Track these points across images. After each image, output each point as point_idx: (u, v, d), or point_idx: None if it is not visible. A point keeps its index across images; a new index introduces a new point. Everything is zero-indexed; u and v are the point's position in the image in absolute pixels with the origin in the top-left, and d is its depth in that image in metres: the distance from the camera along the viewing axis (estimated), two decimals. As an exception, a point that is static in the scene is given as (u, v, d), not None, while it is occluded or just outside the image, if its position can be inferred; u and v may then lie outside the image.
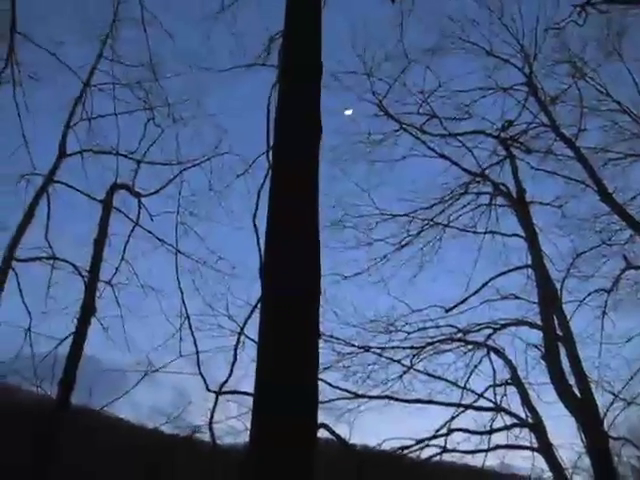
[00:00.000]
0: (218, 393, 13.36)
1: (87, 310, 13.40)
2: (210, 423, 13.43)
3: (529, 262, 15.16)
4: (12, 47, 12.76)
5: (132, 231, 15.05)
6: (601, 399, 13.69)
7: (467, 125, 16.33)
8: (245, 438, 13.93)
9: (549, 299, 14.29)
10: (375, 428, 15.76)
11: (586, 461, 13.54)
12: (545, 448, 13.82)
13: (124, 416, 15.00)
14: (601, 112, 15.72)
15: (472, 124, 16.29)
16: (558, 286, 14.65)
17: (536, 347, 14.54)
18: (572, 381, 13.47)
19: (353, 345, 15.59)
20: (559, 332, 13.96)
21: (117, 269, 14.66)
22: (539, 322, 14.86)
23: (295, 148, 6.55)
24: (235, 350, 13.33)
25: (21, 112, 13.67)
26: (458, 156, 16.25)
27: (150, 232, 15.17)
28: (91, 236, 14.31)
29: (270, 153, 9.81)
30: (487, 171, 16.27)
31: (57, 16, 14.78)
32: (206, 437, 14.36)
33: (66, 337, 13.21)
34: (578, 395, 13.21)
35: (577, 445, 13.65)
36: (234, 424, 13.90)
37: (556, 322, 14.17)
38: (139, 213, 15.25)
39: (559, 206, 15.96)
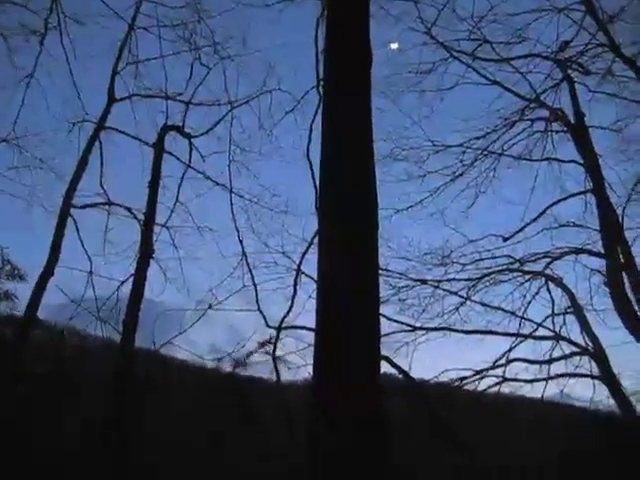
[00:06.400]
0: (279, 328, 13.53)
1: (145, 252, 13.62)
2: (274, 358, 13.65)
3: (588, 188, 14.76)
4: (56, -8, 12.76)
5: (185, 173, 15.13)
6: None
7: (521, 49, 15.68)
8: (304, 374, 14.21)
9: (611, 225, 13.92)
10: (433, 361, 15.84)
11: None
12: (607, 376, 13.70)
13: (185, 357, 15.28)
14: (664, 28, 14.92)
15: (526, 48, 15.62)
16: (619, 212, 14.29)
17: (600, 273, 14.27)
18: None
19: (409, 278, 15.60)
20: (621, 259, 13.66)
21: (172, 211, 14.83)
22: (599, 249, 14.56)
23: (347, 76, 6.39)
24: (295, 285, 13.46)
25: (69, 59, 13.88)
26: (512, 82, 15.70)
27: (202, 173, 15.25)
28: (144, 180, 14.45)
29: (321, 86, 9.68)
30: (542, 96, 15.73)
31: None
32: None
33: (127, 279, 13.55)
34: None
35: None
36: (293, 359, 14.15)
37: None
38: (191, 154, 15.29)
39: (619, 130, 15.41)
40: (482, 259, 15.68)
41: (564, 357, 14.61)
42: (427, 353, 15.16)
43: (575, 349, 14.50)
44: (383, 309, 14.40)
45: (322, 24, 10.32)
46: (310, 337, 12.24)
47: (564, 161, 15.54)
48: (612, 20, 14.91)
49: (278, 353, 13.82)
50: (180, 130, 15.24)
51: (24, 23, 13.83)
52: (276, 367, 13.77)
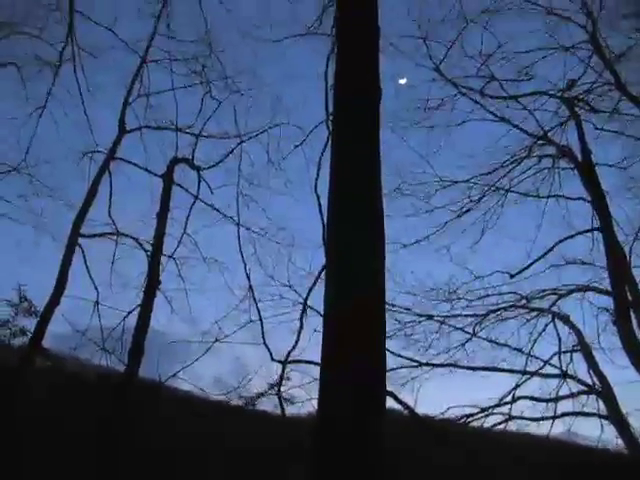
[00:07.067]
0: (285, 362, 13.46)
1: (152, 283, 13.64)
2: (279, 392, 13.56)
3: (595, 226, 14.78)
4: (72, 26, 13.00)
5: (193, 205, 15.20)
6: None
7: (528, 87, 15.84)
8: (309, 408, 14.10)
9: (618, 263, 13.89)
10: (438, 397, 15.74)
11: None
12: (615, 415, 13.55)
13: (188, 389, 15.20)
14: (671, 68, 15.03)
15: (533, 85, 15.80)
16: (626, 250, 14.27)
17: (607, 311, 14.22)
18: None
19: (415, 313, 15.56)
20: (629, 297, 13.60)
21: (179, 243, 14.86)
22: (606, 287, 14.52)
23: (355, 113, 6.46)
24: (301, 319, 13.45)
25: (82, 90, 14.11)
26: (519, 119, 15.83)
27: (210, 205, 15.32)
28: (153, 211, 14.55)
29: (330, 120, 9.77)
30: (550, 133, 15.84)
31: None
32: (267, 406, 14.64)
33: (133, 309, 13.54)
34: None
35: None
36: (297, 393, 14.05)
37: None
38: (199, 186, 15.37)
39: (625, 168, 15.48)
40: (488, 295, 15.68)
41: (571, 395, 14.48)
42: (433, 389, 15.06)
43: (582, 387, 14.38)
44: (389, 344, 14.27)
45: (332, 60, 10.45)
46: (316, 371, 12.17)
47: (571, 198, 15.58)
48: (619, 59, 15.07)
49: (283, 388, 13.76)
50: (189, 162, 15.37)
51: (38, 54, 14.11)
52: (281, 401, 13.68)
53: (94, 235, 14.54)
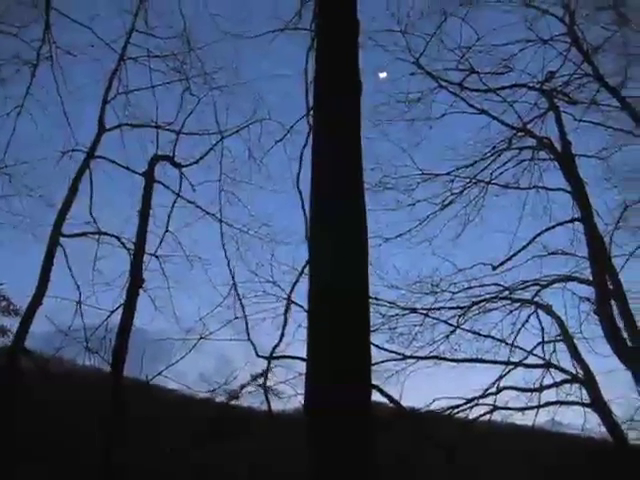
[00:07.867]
0: (270, 358, 13.48)
1: (135, 281, 13.58)
2: (265, 388, 13.58)
3: (576, 216, 14.90)
4: (48, 24, 12.87)
5: (175, 202, 15.15)
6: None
7: (507, 79, 15.89)
8: (295, 404, 14.12)
9: (599, 253, 14.02)
10: (423, 390, 15.81)
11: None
12: (598, 403, 13.68)
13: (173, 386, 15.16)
14: (647, 59, 15.15)
15: (513, 78, 15.85)
16: (606, 240, 14.39)
17: (589, 300, 14.32)
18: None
19: (398, 307, 15.58)
20: (610, 286, 13.73)
21: (162, 240, 14.81)
22: (587, 277, 14.64)
23: (336, 107, 6.46)
24: (285, 315, 13.46)
25: (60, 89, 13.99)
26: (499, 111, 15.87)
27: (192, 202, 15.28)
28: (134, 209, 14.50)
29: (310, 115, 9.78)
30: (529, 125, 15.91)
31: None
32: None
33: (116, 308, 13.48)
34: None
35: (632, 399, 13.49)
36: (283, 388, 14.06)
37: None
38: (181, 184, 15.34)
39: (604, 158, 15.59)
40: (471, 287, 15.68)
41: (555, 385, 14.58)
42: (418, 382, 15.13)
43: (565, 377, 14.48)
44: (373, 338, 14.30)
45: (312, 56, 10.45)
46: (301, 366, 12.22)
47: (551, 189, 15.68)
48: (596, 51, 15.18)
49: (269, 383, 13.77)
50: (170, 159, 15.30)
51: (16, 52, 13.96)
52: (267, 397, 13.70)
53: (75, 234, 14.45)
